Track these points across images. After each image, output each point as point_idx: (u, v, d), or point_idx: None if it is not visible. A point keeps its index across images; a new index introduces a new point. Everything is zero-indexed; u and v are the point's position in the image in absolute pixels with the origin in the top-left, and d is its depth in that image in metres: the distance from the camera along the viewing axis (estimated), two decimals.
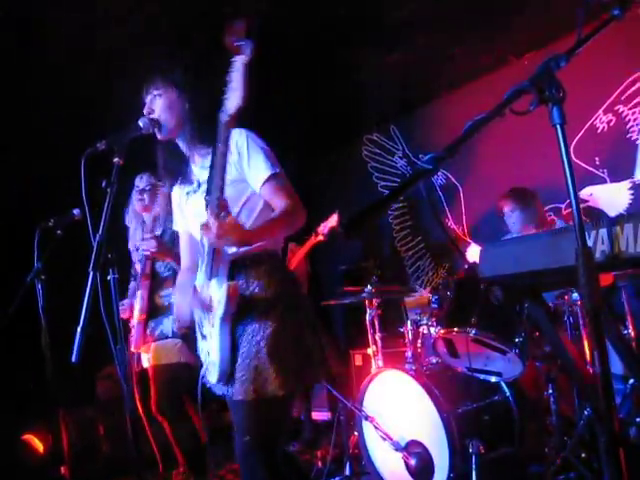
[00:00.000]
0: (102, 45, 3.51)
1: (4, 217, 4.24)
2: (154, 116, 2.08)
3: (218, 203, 1.87)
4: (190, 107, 2.10)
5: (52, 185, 2.92)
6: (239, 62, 1.76)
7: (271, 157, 2.06)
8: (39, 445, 4.02)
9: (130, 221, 3.47)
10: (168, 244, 3.11)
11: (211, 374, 2.09)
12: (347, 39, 3.99)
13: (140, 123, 2.05)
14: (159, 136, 2.11)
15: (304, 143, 5.48)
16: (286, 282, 2.11)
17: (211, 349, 2.07)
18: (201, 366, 2.19)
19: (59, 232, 2.97)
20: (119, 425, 3.87)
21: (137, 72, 2.12)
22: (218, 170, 1.89)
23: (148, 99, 2.12)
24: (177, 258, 2.92)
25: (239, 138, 2.06)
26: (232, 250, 2.02)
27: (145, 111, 2.10)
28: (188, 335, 3.14)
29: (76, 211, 2.93)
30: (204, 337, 2.14)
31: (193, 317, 2.18)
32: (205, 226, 1.88)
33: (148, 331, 3.29)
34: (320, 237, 4.13)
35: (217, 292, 2.00)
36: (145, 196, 3.37)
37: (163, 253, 3.04)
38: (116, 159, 1.88)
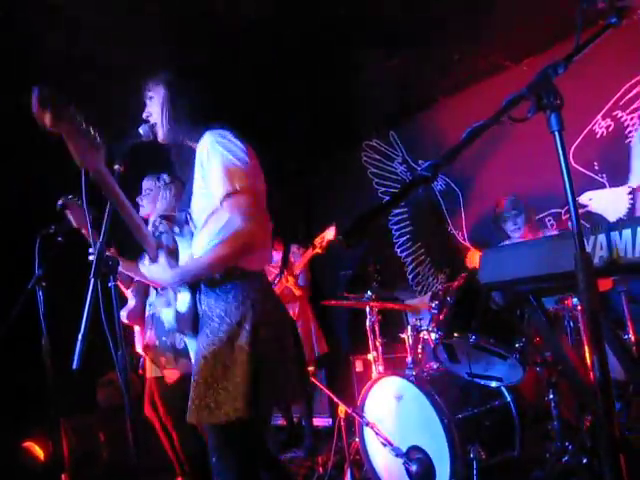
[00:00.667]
0: (102, 46, 3.52)
1: (4, 224, 4.25)
2: (152, 120, 2.09)
3: (153, 245, 1.94)
4: (176, 104, 2.05)
5: (53, 192, 2.91)
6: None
7: (231, 171, 1.88)
8: (39, 452, 4.02)
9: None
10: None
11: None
12: (346, 44, 4.00)
13: (140, 130, 2.06)
14: (160, 139, 2.10)
15: (304, 149, 5.49)
16: (238, 302, 1.91)
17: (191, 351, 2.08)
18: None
19: (60, 239, 2.97)
20: (120, 432, 3.85)
21: (135, 75, 2.13)
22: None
23: (147, 103, 2.13)
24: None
25: (203, 147, 1.94)
26: None
27: (144, 115, 2.11)
28: (165, 345, 3.15)
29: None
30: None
31: None
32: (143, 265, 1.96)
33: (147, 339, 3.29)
34: (318, 250, 4.14)
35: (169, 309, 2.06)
36: (144, 201, 3.35)
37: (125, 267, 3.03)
38: (117, 166, 1.89)
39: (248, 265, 1.95)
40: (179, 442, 3.24)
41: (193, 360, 2.01)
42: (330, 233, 4.12)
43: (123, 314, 3.30)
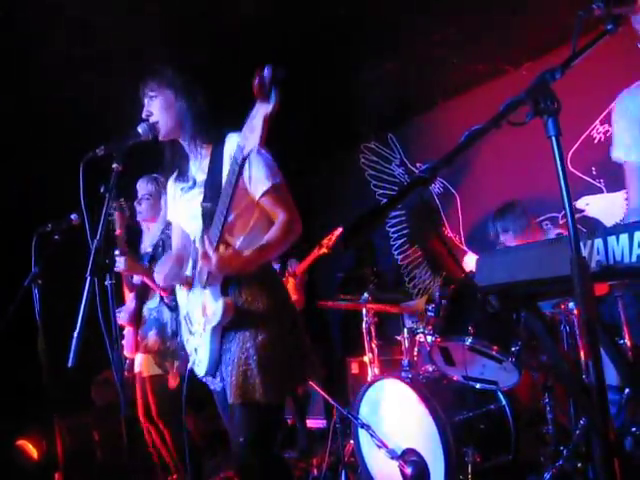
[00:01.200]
0: (102, 46, 3.52)
1: (1, 221, 4.24)
2: (153, 119, 2.10)
3: (219, 236, 1.91)
4: (186, 106, 2.10)
5: (50, 190, 2.92)
6: (262, 108, 1.71)
7: (272, 167, 2.06)
8: (33, 451, 4.01)
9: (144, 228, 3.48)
10: (139, 260, 3.14)
11: (199, 368, 2.15)
12: (345, 45, 4.01)
13: (139, 129, 2.06)
14: (160, 138, 2.13)
15: (302, 150, 5.49)
16: (277, 293, 2.14)
17: (199, 347, 2.12)
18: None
19: (56, 237, 2.97)
20: (114, 431, 3.86)
21: (135, 74, 2.13)
22: (224, 199, 1.89)
23: (146, 101, 2.13)
24: (150, 276, 2.95)
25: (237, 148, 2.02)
26: None
27: (144, 114, 2.11)
28: (163, 352, 3.17)
29: (74, 216, 2.92)
30: (192, 333, 2.19)
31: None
32: (204, 255, 1.91)
33: (139, 338, 3.31)
34: (324, 250, 4.14)
35: (212, 303, 2.05)
36: (143, 206, 3.34)
37: (132, 270, 3.03)
38: (115, 165, 1.88)
39: (272, 260, 2.18)
40: (172, 440, 3.24)
41: (217, 348, 2.06)
42: (338, 234, 4.13)
43: (123, 315, 3.31)
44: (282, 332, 2.06)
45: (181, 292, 2.30)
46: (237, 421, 2.04)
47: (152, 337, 3.21)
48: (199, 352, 2.13)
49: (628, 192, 2.29)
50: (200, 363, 2.13)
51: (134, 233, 3.43)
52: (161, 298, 3.20)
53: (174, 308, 3.08)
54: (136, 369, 3.34)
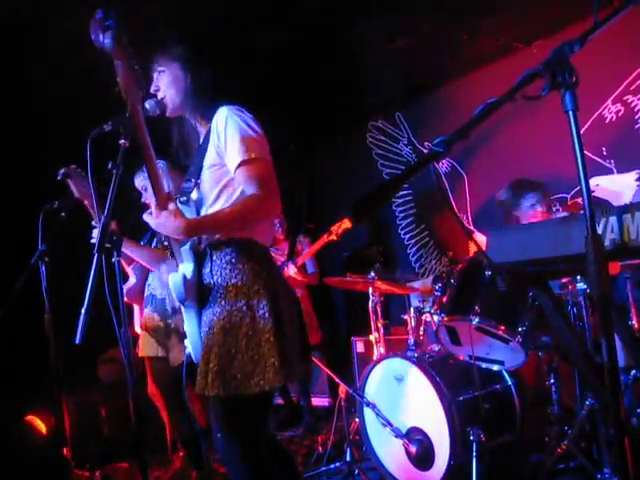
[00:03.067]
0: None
1: (8, 198, 4.24)
2: (160, 94, 2.07)
3: (159, 194, 1.87)
4: (192, 80, 2.06)
5: (57, 166, 2.90)
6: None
7: (247, 140, 1.93)
8: (42, 426, 4.05)
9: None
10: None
11: (193, 355, 2.06)
12: (352, 24, 3.95)
13: (147, 105, 2.03)
14: (168, 114, 2.10)
15: (309, 129, 5.45)
16: (254, 273, 1.93)
17: (187, 332, 2.07)
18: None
19: (63, 214, 2.95)
20: (121, 407, 3.88)
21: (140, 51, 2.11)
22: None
23: (154, 77, 2.10)
24: (132, 245, 3.00)
25: (220, 119, 1.97)
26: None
27: (152, 89, 2.08)
28: (170, 327, 3.12)
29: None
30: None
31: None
32: (149, 214, 1.89)
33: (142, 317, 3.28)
34: (333, 237, 4.13)
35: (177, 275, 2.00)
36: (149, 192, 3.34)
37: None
38: (122, 141, 1.86)
39: (260, 239, 2.01)
40: (170, 422, 3.24)
41: (195, 334, 2.00)
42: (347, 222, 4.12)
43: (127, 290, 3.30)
44: (247, 318, 1.88)
45: None
46: (214, 414, 1.93)
47: (149, 314, 3.15)
48: (188, 338, 2.07)
49: None
50: (192, 350, 2.05)
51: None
52: (149, 273, 3.19)
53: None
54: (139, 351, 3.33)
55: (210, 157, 1.99)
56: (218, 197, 1.99)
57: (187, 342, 2.08)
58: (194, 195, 2.03)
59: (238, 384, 1.84)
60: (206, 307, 1.97)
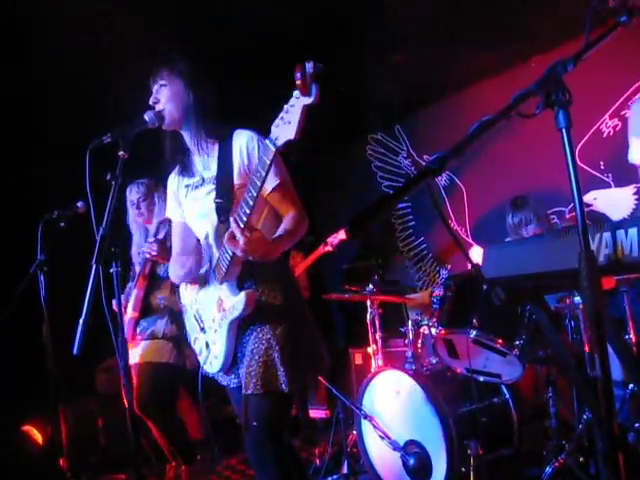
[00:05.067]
0: (103, 38, 3.51)
1: (8, 208, 4.25)
2: (159, 107, 2.09)
3: (246, 220, 1.89)
4: (195, 98, 2.10)
5: (56, 177, 2.92)
6: (301, 101, 1.74)
7: (279, 164, 2.08)
8: (38, 436, 4.03)
9: (135, 230, 3.46)
10: (169, 248, 3.15)
11: (212, 365, 2.16)
12: (353, 38, 3.98)
13: (146, 117, 2.05)
14: (164, 127, 2.12)
15: (309, 141, 5.46)
16: (291, 285, 2.20)
17: (214, 344, 2.13)
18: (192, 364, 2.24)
19: (62, 224, 2.97)
20: (118, 418, 3.88)
21: (141, 64, 2.13)
22: (251, 188, 1.88)
23: (155, 89, 2.13)
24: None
25: (248, 141, 2.08)
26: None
27: (151, 101, 2.11)
28: (178, 337, 3.21)
29: (80, 204, 2.93)
30: (203, 330, 2.21)
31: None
32: (230, 237, 1.90)
33: (139, 329, 3.33)
34: (329, 248, 4.15)
35: (230, 298, 2.06)
36: (142, 208, 3.35)
37: (164, 257, 3.03)
38: (121, 153, 1.88)
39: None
40: (160, 431, 3.22)
41: (232, 346, 2.09)
42: (343, 233, 4.14)
43: (129, 302, 3.33)
44: (299, 324, 2.12)
45: (188, 291, 2.31)
46: (253, 409, 2.06)
47: (165, 324, 3.26)
48: (213, 348, 2.14)
49: None
50: (215, 359, 2.14)
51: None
52: (174, 289, 3.22)
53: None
54: (137, 359, 3.34)
55: (239, 178, 2.07)
56: (250, 215, 2.03)
57: (212, 355, 2.15)
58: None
59: (303, 378, 2.13)
60: (251, 321, 2.07)
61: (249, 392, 2.02)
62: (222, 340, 2.09)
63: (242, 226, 1.87)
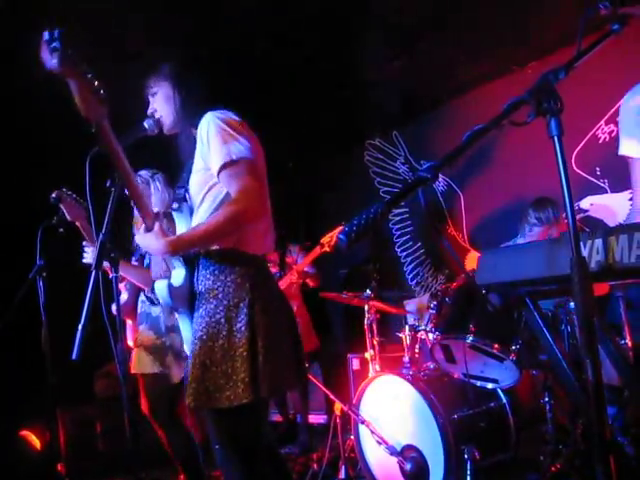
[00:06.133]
0: (104, 43, 3.52)
1: (7, 214, 4.26)
2: (157, 114, 2.11)
3: (139, 213, 1.92)
4: (180, 95, 2.08)
5: (56, 183, 2.93)
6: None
7: (230, 143, 1.90)
8: (36, 442, 4.04)
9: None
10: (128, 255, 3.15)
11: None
12: (351, 44, 4.01)
13: (145, 124, 2.08)
14: (166, 132, 2.14)
15: (307, 147, 5.50)
16: (236, 285, 1.91)
17: (184, 339, 2.09)
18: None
19: (61, 230, 2.98)
20: (116, 423, 3.88)
21: (137, 72, 2.15)
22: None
23: (150, 100, 2.15)
24: (125, 266, 2.97)
25: (203, 124, 1.96)
26: None
27: (149, 112, 2.13)
28: (165, 344, 3.10)
29: None
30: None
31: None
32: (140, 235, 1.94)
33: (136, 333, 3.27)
34: (326, 248, 4.16)
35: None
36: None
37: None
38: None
39: (247, 248, 1.97)
40: (167, 440, 3.20)
41: (186, 339, 2.02)
42: (339, 232, 4.15)
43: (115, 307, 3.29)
44: (224, 331, 1.87)
45: None
46: (210, 426, 1.92)
47: (144, 331, 3.13)
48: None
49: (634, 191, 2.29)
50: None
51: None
52: (142, 291, 3.14)
53: (157, 302, 3.06)
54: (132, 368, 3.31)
55: (197, 162, 2.00)
56: (203, 200, 1.99)
57: (186, 348, 2.09)
58: (186, 200, 2.06)
59: (210, 397, 1.83)
60: (195, 315, 1.98)
61: (201, 405, 1.86)
62: (184, 335, 2.06)
63: (143, 221, 1.90)
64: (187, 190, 2.04)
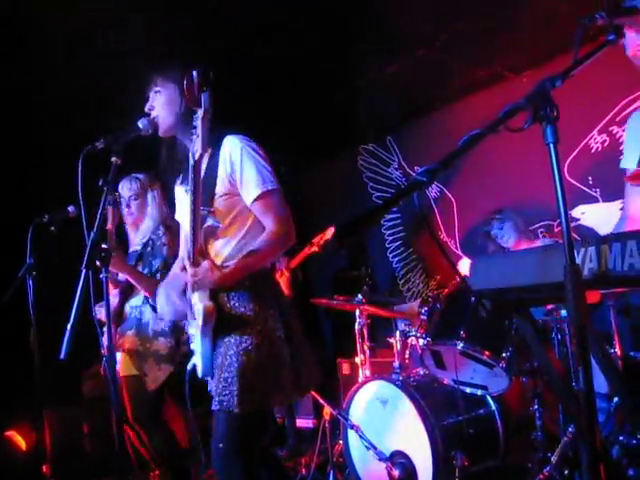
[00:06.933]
0: (102, 44, 3.51)
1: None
2: (154, 113, 2.10)
3: (193, 251, 1.94)
4: (186, 104, 2.05)
5: (48, 181, 2.91)
6: (199, 113, 1.82)
7: (264, 172, 2.02)
8: (22, 442, 4.00)
9: (129, 229, 3.40)
10: (127, 261, 3.11)
11: (198, 370, 2.13)
12: (345, 50, 4.01)
13: (139, 124, 2.06)
14: (160, 134, 2.13)
15: (300, 151, 5.49)
16: (268, 299, 2.07)
17: (196, 349, 2.11)
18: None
19: (53, 228, 2.96)
20: (103, 424, 3.85)
21: (138, 71, 2.14)
22: (195, 209, 1.92)
23: (150, 96, 2.14)
24: (136, 275, 2.99)
25: (233, 149, 2.03)
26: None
27: (147, 108, 2.11)
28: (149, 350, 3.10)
29: (71, 208, 2.91)
30: (190, 336, 2.19)
31: (175, 315, 2.22)
32: (184, 267, 1.98)
33: (117, 336, 3.21)
34: (315, 248, 4.16)
35: (198, 304, 2.04)
36: (133, 207, 3.24)
37: (118, 268, 2.96)
38: (114, 158, 1.89)
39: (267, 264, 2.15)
40: (149, 441, 3.18)
41: (207, 355, 2.06)
42: (330, 233, 4.14)
43: (102, 310, 3.26)
44: (269, 342, 2.00)
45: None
46: (217, 427, 2.02)
47: (130, 336, 3.12)
48: (196, 354, 2.13)
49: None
50: (198, 365, 2.12)
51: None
52: (146, 298, 3.12)
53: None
54: (118, 368, 3.28)
55: (222, 186, 2.04)
56: (230, 225, 2.06)
57: (196, 360, 2.12)
58: (208, 222, 2.06)
59: (262, 401, 1.98)
60: (223, 331, 2.03)
61: (213, 408, 1.99)
62: (199, 347, 2.07)
63: (191, 257, 1.95)
64: (210, 212, 2.05)
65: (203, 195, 2.07)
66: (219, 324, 2.03)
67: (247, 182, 2.00)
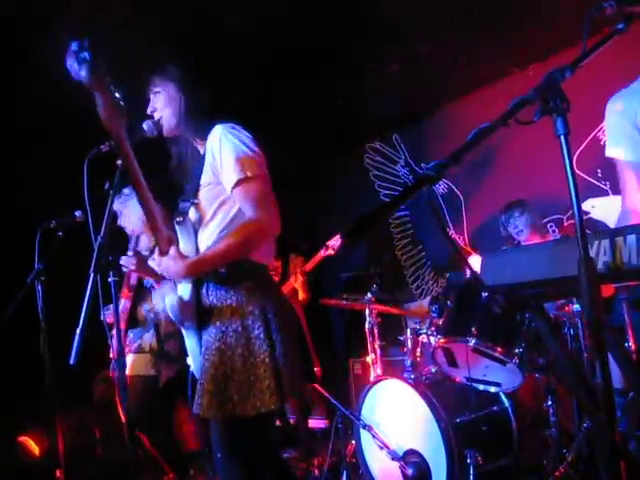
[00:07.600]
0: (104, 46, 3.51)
1: (6, 217, 4.24)
2: (157, 115, 2.09)
3: (164, 236, 1.90)
4: (186, 100, 2.06)
5: (54, 186, 2.92)
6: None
7: (244, 159, 1.92)
8: (35, 447, 4.01)
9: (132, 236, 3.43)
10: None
11: (193, 369, 2.09)
12: (350, 48, 4.00)
13: (144, 126, 2.05)
14: (164, 134, 2.11)
15: (307, 150, 5.48)
16: (251, 295, 1.94)
17: (188, 349, 2.08)
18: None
19: (60, 233, 2.97)
20: (115, 429, 3.85)
21: (137, 72, 2.13)
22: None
23: (151, 98, 2.13)
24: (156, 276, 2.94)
25: (214, 138, 1.98)
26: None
27: (149, 110, 2.11)
28: (165, 350, 3.19)
29: (78, 213, 2.92)
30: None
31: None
32: (153, 259, 1.95)
33: (127, 341, 3.29)
34: (330, 251, 4.13)
35: (166, 299, 2.01)
36: (131, 219, 3.30)
37: (142, 271, 2.94)
38: (119, 161, 1.88)
39: (258, 257, 1.99)
40: (151, 444, 3.20)
41: (196, 353, 2.01)
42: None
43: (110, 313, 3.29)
44: (242, 341, 1.88)
45: None
46: (212, 434, 1.95)
47: (151, 338, 3.24)
48: (189, 353, 2.09)
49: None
50: (191, 365, 2.09)
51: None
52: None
53: None
54: (127, 371, 3.30)
55: (206, 176, 2.00)
56: (214, 215, 2.00)
57: (190, 361, 2.09)
58: (191, 214, 2.04)
59: (234, 406, 1.84)
60: (204, 328, 1.98)
61: (203, 415, 1.88)
62: (189, 346, 2.04)
63: (157, 244, 1.90)
64: (194, 204, 2.02)
65: (189, 186, 2.07)
66: (200, 321, 1.97)
67: (226, 169, 1.93)
